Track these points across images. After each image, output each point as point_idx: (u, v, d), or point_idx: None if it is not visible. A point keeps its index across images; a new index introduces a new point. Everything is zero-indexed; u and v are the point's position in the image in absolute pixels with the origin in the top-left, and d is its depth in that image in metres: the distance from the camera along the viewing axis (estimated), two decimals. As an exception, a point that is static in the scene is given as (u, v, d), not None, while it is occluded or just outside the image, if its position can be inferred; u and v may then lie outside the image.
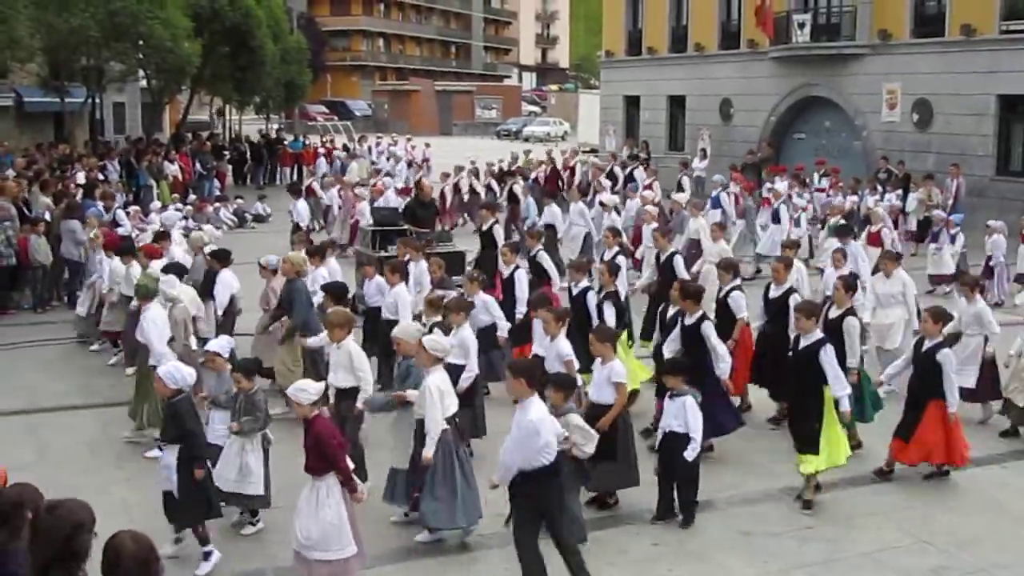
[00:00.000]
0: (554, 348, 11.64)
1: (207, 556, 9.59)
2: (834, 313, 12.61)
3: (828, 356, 10.87)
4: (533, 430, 8.58)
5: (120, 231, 21.17)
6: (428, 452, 9.65)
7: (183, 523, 9.70)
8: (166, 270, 14.38)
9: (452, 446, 9.90)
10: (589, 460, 10.01)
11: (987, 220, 22.79)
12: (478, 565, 9.85)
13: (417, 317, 13.29)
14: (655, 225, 20.13)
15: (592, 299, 13.86)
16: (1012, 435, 13.56)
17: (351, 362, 10.99)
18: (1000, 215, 25.30)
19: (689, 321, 12.07)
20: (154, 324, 12.63)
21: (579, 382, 10.94)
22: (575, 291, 14.17)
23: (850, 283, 13.06)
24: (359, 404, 10.91)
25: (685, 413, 10.49)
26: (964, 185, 29.22)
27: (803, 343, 11.12)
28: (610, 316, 13.38)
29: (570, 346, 11.71)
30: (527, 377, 8.80)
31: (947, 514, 11.14)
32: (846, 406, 10.97)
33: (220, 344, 11.28)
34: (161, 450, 10.20)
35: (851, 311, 12.62)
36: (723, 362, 11.95)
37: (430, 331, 11.73)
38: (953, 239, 22.85)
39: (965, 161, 30.68)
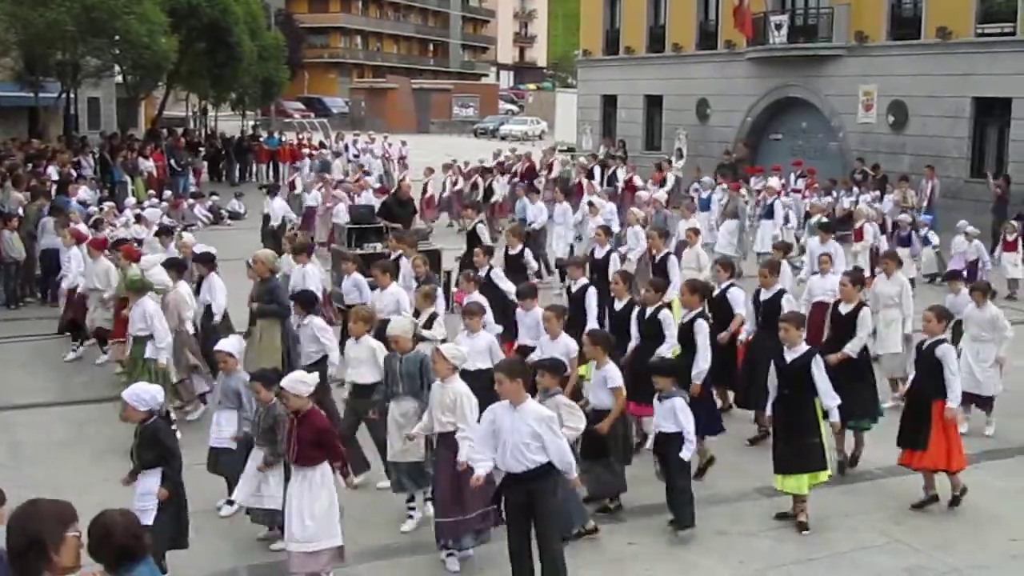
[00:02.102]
0: (559, 346, 11.48)
1: None
2: (845, 308, 12.67)
3: (819, 368, 10.64)
4: (554, 421, 8.62)
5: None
6: (463, 457, 9.36)
7: (180, 546, 9.24)
8: (167, 265, 14.55)
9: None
10: (583, 462, 10.10)
11: (962, 221, 22.99)
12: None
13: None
14: (637, 227, 20.12)
15: (592, 297, 13.73)
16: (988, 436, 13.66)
17: (373, 357, 11.06)
18: (974, 217, 25.47)
19: (684, 320, 12.06)
20: (154, 313, 12.80)
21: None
22: (574, 289, 14.09)
23: (856, 277, 13.19)
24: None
25: (676, 414, 10.44)
26: (939, 187, 29.44)
27: (790, 356, 10.77)
28: (635, 327, 12.84)
29: (573, 342, 11.59)
30: (520, 376, 8.73)
31: (922, 515, 11.17)
32: (836, 417, 10.72)
33: (231, 344, 10.99)
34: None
35: (863, 304, 12.80)
36: (701, 365, 11.80)
37: (428, 324, 11.78)
38: (926, 240, 23.06)
39: (940, 163, 30.88)
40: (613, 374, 10.69)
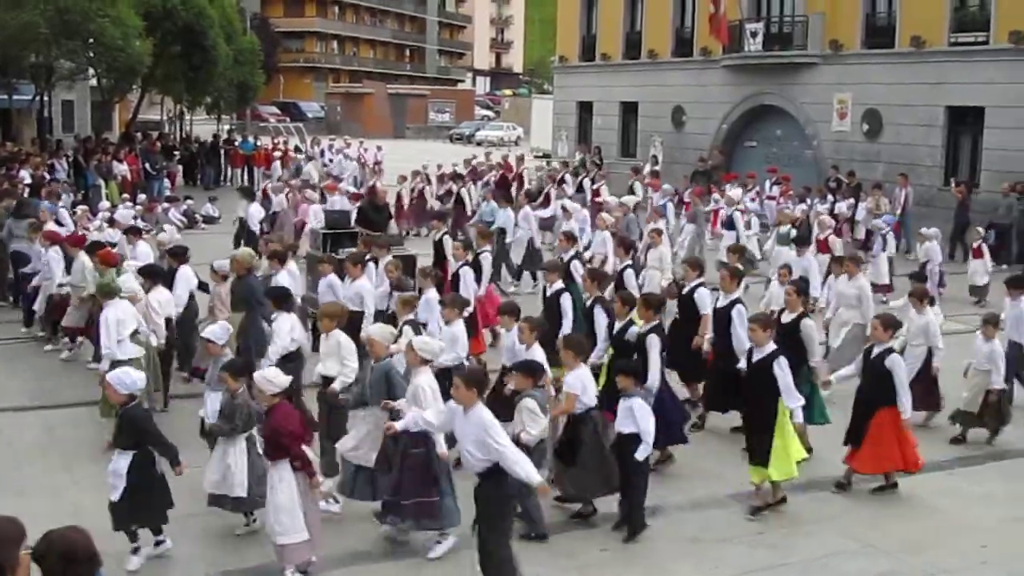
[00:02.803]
0: (530, 356, 11.40)
1: (136, 552, 9.60)
2: (787, 318, 12.78)
3: (782, 368, 10.89)
4: (493, 427, 8.66)
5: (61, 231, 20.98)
6: (442, 449, 9.84)
7: (141, 521, 9.58)
8: (143, 272, 14.69)
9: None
10: (557, 463, 10.52)
11: (940, 229, 23.21)
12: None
13: (391, 318, 13.36)
14: (606, 233, 20.15)
15: (567, 301, 13.81)
16: (961, 442, 13.73)
17: (339, 350, 11.40)
18: (947, 224, 25.60)
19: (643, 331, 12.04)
20: (108, 322, 12.82)
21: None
22: (550, 292, 14.22)
23: (801, 287, 13.34)
24: (336, 387, 11.30)
25: (634, 415, 10.48)
26: (912, 194, 29.59)
27: (757, 356, 11.14)
28: (601, 321, 13.09)
29: (544, 354, 11.59)
30: (476, 385, 8.88)
31: (894, 520, 11.23)
32: (799, 417, 11.03)
33: (215, 331, 11.43)
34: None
35: (805, 314, 12.88)
36: (653, 374, 11.66)
37: (401, 331, 11.82)
38: (884, 244, 23.25)
39: (914, 171, 31.04)
40: (569, 379, 10.74)
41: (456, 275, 15.61)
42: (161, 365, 13.96)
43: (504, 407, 10.27)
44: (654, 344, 11.87)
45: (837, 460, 12.27)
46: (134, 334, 13.10)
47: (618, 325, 12.58)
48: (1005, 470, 13.02)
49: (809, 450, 12.45)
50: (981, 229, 24.00)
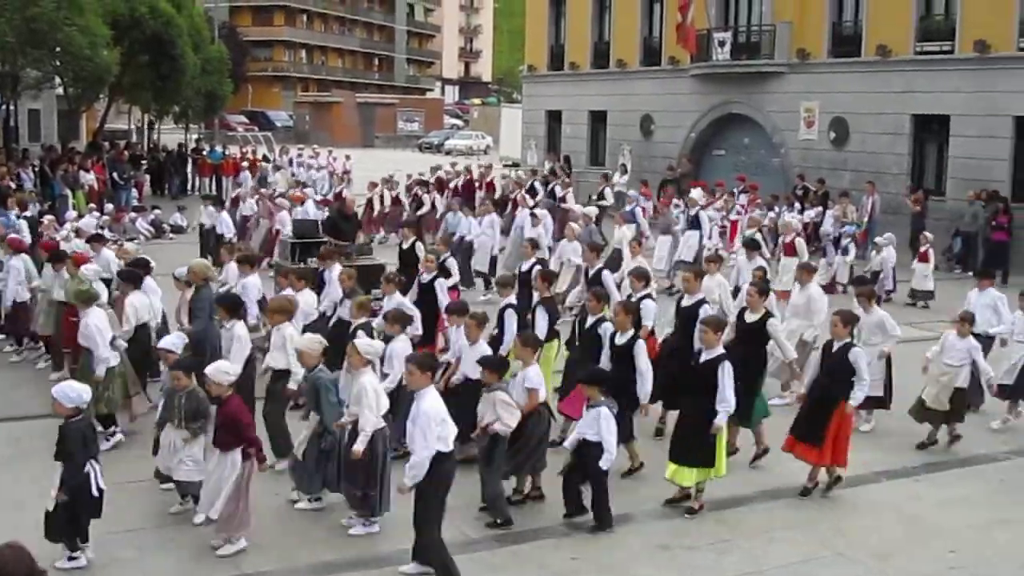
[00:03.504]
0: (476, 352, 11.80)
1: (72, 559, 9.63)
2: (751, 318, 12.91)
3: (725, 372, 11.01)
4: (436, 418, 9.07)
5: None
6: (359, 447, 10.06)
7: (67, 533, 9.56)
8: (122, 276, 14.85)
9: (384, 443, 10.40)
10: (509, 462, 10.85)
11: (902, 236, 23.40)
12: None
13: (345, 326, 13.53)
14: (575, 243, 20.21)
15: (512, 317, 13.73)
16: (929, 445, 13.82)
17: (284, 344, 11.85)
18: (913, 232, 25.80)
19: (621, 340, 12.05)
20: (98, 329, 12.85)
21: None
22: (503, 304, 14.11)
23: (763, 288, 13.42)
24: (291, 385, 11.84)
25: (599, 423, 10.60)
26: (879, 202, 29.81)
27: (705, 357, 11.27)
28: (542, 323, 13.47)
29: (490, 350, 12.09)
30: (429, 369, 9.42)
31: (863, 527, 11.29)
32: (722, 421, 11.05)
33: (172, 341, 11.63)
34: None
35: (770, 314, 13.06)
36: (646, 386, 11.86)
37: (354, 334, 11.89)
38: (846, 250, 23.47)
39: (880, 179, 31.26)
40: (531, 375, 11.08)
41: (430, 286, 15.47)
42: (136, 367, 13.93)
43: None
44: (641, 350, 11.97)
45: (804, 465, 12.34)
46: (112, 341, 13.09)
47: (590, 320, 12.71)
48: (972, 475, 13.12)
49: (766, 450, 12.85)
50: (929, 235, 24.24)
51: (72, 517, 9.42)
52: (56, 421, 10.21)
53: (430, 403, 9.14)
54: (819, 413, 11.80)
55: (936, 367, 13.93)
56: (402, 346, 12.02)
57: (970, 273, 26.46)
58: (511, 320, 13.65)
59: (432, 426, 9.01)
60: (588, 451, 10.69)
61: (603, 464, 10.61)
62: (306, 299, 14.35)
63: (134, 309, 14.05)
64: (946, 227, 28.39)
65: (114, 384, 12.99)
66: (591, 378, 11.05)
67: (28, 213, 24.02)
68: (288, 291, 14.98)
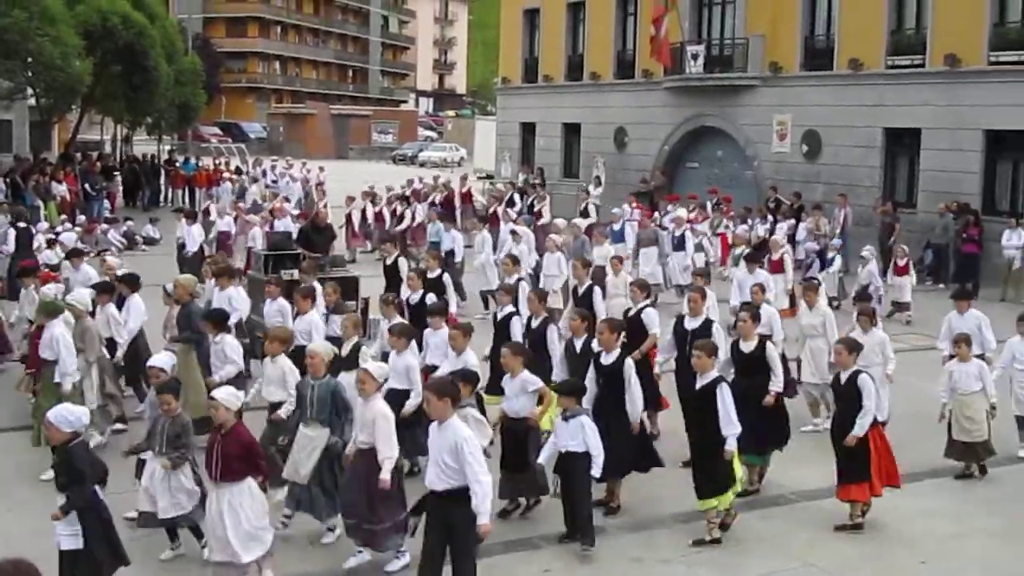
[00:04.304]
0: (461, 362, 11.61)
1: None
2: (748, 347, 12.46)
3: (724, 395, 10.71)
4: (472, 443, 8.63)
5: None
6: (386, 476, 9.61)
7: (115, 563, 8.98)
8: (97, 288, 14.55)
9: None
10: (503, 471, 10.59)
11: (870, 247, 23.53)
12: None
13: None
14: (558, 255, 20.10)
15: (516, 325, 13.64)
16: (969, 476, 13.49)
17: (283, 378, 11.27)
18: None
19: (608, 360, 11.61)
20: (62, 340, 12.66)
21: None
22: (500, 315, 14.03)
23: (755, 314, 13.02)
24: (282, 414, 11.24)
25: (583, 432, 10.52)
26: (851, 215, 29.98)
27: (700, 383, 10.92)
28: (554, 342, 13.11)
29: (476, 359, 11.84)
30: (452, 397, 8.83)
31: (834, 538, 11.31)
32: (732, 445, 10.78)
33: (163, 360, 11.13)
34: None
35: (766, 339, 12.74)
36: (637, 405, 11.50)
37: (352, 355, 11.88)
38: (831, 262, 23.53)
39: (852, 191, 31.43)
40: (530, 378, 11.00)
41: (420, 305, 15.19)
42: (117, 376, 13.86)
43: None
44: (631, 368, 11.57)
45: (777, 479, 12.38)
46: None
47: (578, 343, 12.40)
48: (944, 486, 13.15)
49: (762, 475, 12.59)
50: (905, 247, 24.33)
51: (103, 542, 8.81)
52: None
53: (464, 430, 8.70)
54: (852, 448, 11.36)
55: (955, 403, 13.37)
56: (414, 359, 11.98)
57: (941, 285, 26.68)
58: (518, 326, 13.58)
59: (479, 452, 8.65)
60: (573, 463, 10.57)
61: (595, 472, 10.50)
62: (314, 320, 13.99)
63: (112, 320, 13.98)
64: (917, 239, 28.53)
65: (75, 400, 12.45)
66: (566, 389, 10.94)
67: (22, 224, 23.73)
68: (280, 301, 14.89)
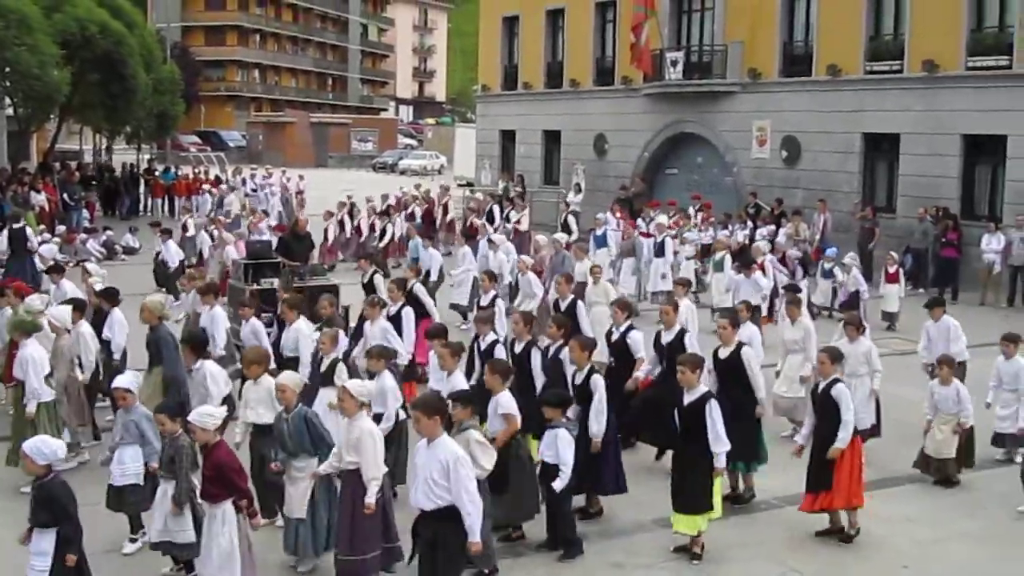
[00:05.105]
0: (450, 383, 11.34)
1: None
2: (725, 353, 12.41)
3: (713, 411, 10.53)
4: (467, 462, 8.54)
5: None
6: (371, 499, 9.35)
7: None
8: (70, 303, 14.25)
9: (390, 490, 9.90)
10: (491, 494, 10.08)
11: (852, 253, 23.62)
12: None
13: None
14: (530, 275, 19.91)
15: (500, 354, 13.04)
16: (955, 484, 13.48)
17: (270, 397, 10.81)
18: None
19: (579, 379, 11.51)
20: (32, 360, 12.40)
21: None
22: (484, 344, 13.16)
23: (735, 320, 12.92)
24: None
25: (556, 444, 10.48)
26: (831, 220, 30.10)
27: (688, 399, 10.72)
28: (537, 366, 12.56)
29: (465, 380, 11.65)
30: (437, 413, 8.66)
31: (816, 543, 11.34)
32: (722, 463, 10.67)
33: (127, 380, 10.79)
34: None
35: (742, 344, 12.59)
36: (599, 422, 11.30)
37: (329, 372, 11.80)
38: (828, 274, 23.54)
39: (832, 197, 31.55)
40: (505, 401, 10.69)
41: (397, 316, 15.09)
42: (87, 399, 13.60)
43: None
44: (599, 386, 11.42)
45: (762, 485, 12.39)
46: (48, 376, 12.66)
47: (552, 350, 12.39)
48: (924, 492, 13.20)
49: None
50: (895, 254, 24.38)
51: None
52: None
53: (456, 448, 8.58)
54: (824, 458, 11.28)
55: (939, 420, 13.43)
56: (391, 382, 11.67)
57: (921, 290, 26.77)
58: (502, 354, 13.01)
59: (471, 474, 8.52)
60: (546, 475, 10.53)
61: (557, 485, 10.38)
62: (301, 330, 13.83)
63: (86, 338, 13.77)
64: (896, 244, 28.62)
65: (42, 420, 12.38)
66: (552, 400, 10.83)
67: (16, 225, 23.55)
68: (252, 322, 14.78)
